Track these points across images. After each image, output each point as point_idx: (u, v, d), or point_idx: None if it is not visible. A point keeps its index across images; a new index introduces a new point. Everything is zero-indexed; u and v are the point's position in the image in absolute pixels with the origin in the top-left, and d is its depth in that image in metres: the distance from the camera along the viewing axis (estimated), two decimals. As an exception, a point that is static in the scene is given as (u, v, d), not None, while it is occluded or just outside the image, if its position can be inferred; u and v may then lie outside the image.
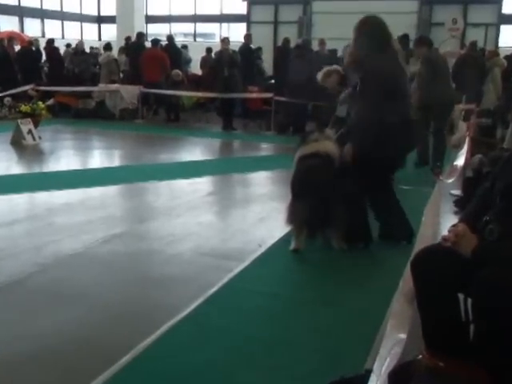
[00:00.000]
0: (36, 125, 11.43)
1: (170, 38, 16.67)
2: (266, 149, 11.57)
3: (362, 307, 4.24)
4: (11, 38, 18.00)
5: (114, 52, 16.88)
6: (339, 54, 13.11)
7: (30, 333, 3.79)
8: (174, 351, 3.57)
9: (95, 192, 7.69)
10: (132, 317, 4.05)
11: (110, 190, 7.93)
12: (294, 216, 5.22)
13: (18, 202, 7.33)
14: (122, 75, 15.87)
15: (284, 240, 5.62)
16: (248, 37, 15.47)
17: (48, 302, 4.29)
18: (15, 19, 26.20)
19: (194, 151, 11.50)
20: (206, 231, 6.06)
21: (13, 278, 4.68)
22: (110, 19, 28.72)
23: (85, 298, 4.32)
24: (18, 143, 10.86)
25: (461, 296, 2.72)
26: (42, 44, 17.41)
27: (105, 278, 4.74)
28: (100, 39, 27.35)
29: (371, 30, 5.15)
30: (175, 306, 4.12)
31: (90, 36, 28.03)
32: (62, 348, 3.61)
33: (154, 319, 3.93)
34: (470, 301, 2.70)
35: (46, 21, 27.74)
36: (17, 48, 17.30)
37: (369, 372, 2.45)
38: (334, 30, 17.48)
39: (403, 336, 2.51)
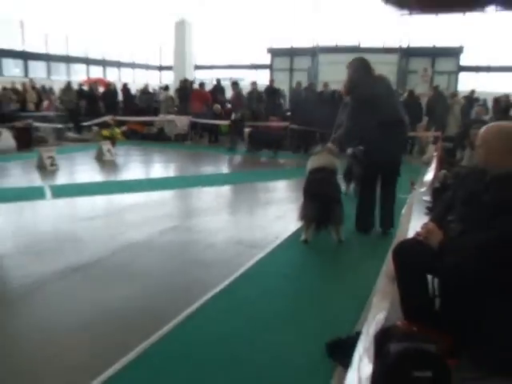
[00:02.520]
0: (113, 145, 11.54)
1: (218, 81, 16.71)
2: (283, 164, 11.51)
3: (353, 284, 4.20)
4: (96, 82, 18.27)
5: (171, 92, 16.97)
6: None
7: (103, 300, 3.82)
8: (210, 317, 3.55)
9: (155, 195, 7.71)
10: (179, 290, 4.04)
11: (167, 194, 7.95)
12: (304, 214, 5.24)
13: (98, 202, 7.39)
14: (176, 108, 15.92)
15: (296, 234, 5.59)
16: (272, 81, 15.53)
17: (117, 278, 4.30)
18: (100, 68, 26.55)
19: (229, 165, 11.50)
20: (236, 226, 6.04)
21: (92, 258, 4.71)
22: (169, 68, 28.94)
23: (145, 276, 4.33)
24: (100, 159, 10.97)
25: (429, 277, 2.68)
26: (119, 86, 17.59)
27: (161, 261, 4.74)
28: (160, 82, 27.53)
29: (355, 65, 5.44)
30: (212, 283, 4.11)
31: (153, 80, 28.27)
32: (126, 313, 3.62)
33: (196, 292, 3.92)
34: (436, 280, 2.66)
35: (122, 69, 28.05)
36: (101, 89, 17.53)
37: (359, 334, 2.41)
38: (335, 76, 17.38)
39: (386, 307, 2.48)
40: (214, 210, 6.87)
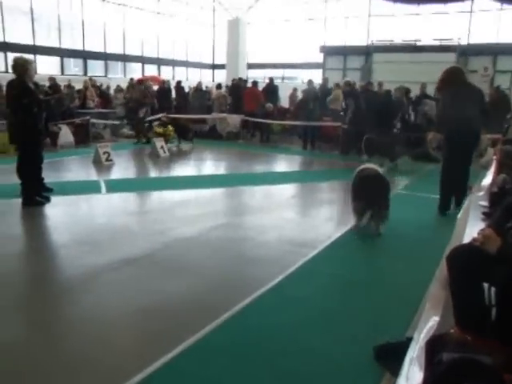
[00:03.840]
0: (166, 142, 11.77)
1: (271, 79, 16.70)
2: (334, 164, 11.40)
3: (405, 287, 4.11)
4: (150, 79, 18.65)
5: (223, 90, 17.10)
6: (392, 93, 12.73)
7: (153, 292, 3.91)
8: (259, 314, 3.57)
9: (206, 192, 7.81)
10: (230, 286, 4.09)
11: (217, 191, 8.04)
12: (356, 207, 5.70)
13: (151, 197, 7.58)
14: (228, 107, 16.03)
15: (348, 234, 5.53)
16: (326, 80, 15.38)
17: (168, 271, 4.39)
18: (155, 67, 27.14)
19: (280, 164, 11.47)
20: (288, 225, 6.02)
21: (144, 252, 4.84)
22: (221, 66, 29.24)
23: (196, 271, 4.40)
24: (153, 155, 11.23)
25: (485, 285, 2.58)
26: (173, 84, 17.89)
27: (211, 256, 4.80)
28: (213, 80, 27.85)
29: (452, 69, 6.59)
30: (263, 280, 4.13)
31: (206, 78, 28.62)
32: (176, 305, 3.70)
33: (246, 288, 3.96)
34: (493, 289, 2.56)
35: (176, 68, 28.56)
36: (155, 87, 17.91)
37: (409, 339, 2.35)
38: (390, 75, 17.05)
39: (438, 313, 2.41)
40: (265, 208, 6.89)
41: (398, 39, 21.79)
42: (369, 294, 4.00)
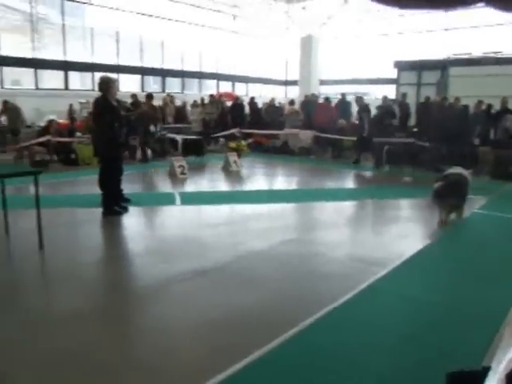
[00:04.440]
0: (239, 157, 11.96)
1: (343, 95, 16.59)
2: (406, 182, 11.06)
3: (481, 312, 3.87)
4: (224, 95, 19.15)
5: (296, 106, 17.17)
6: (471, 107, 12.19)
7: (223, 304, 3.96)
8: (326, 331, 3.51)
9: (277, 207, 7.83)
10: (297, 301, 4.05)
11: (288, 206, 8.03)
12: (444, 205, 6.52)
13: (223, 210, 7.69)
14: (300, 122, 16.05)
15: (422, 253, 5.34)
16: (404, 95, 15.02)
17: (238, 284, 4.43)
18: (229, 84, 27.78)
19: (352, 181, 11.31)
20: (358, 242, 5.91)
21: (215, 264, 4.91)
22: (294, 82, 29.39)
23: (265, 284, 4.41)
24: (226, 169, 11.45)
25: None
26: (246, 100, 18.22)
27: (281, 271, 4.79)
28: (286, 96, 28.02)
29: None
30: (330, 297, 4.06)
31: (279, 94, 28.86)
32: (244, 318, 3.71)
33: (313, 305, 3.91)
34: None
35: (250, 84, 29.06)
36: (229, 103, 18.32)
37: (486, 369, 2.20)
38: (468, 90, 16.37)
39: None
40: (335, 224, 6.80)
41: (477, 52, 20.92)
42: (441, 317, 3.81)
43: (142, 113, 12.42)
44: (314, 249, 5.53)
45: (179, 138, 13.08)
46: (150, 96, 13.34)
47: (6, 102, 12.41)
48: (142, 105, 13.19)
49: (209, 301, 4.02)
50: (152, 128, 12.85)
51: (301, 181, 11.03)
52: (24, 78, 19.05)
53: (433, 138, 11.52)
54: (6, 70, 17.92)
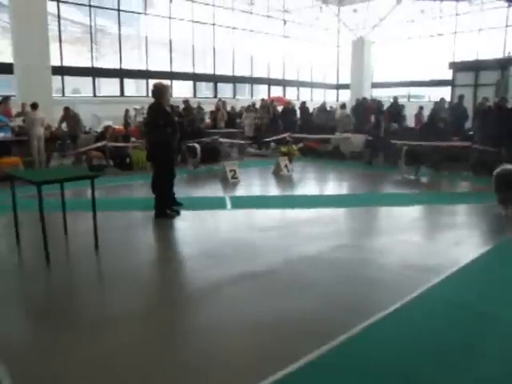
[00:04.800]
0: (290, 161, 11.92)
1: (395, 98, 16.26)
2: (463, 186, 10.67)
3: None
4: (276, 100, 19.20)
5: (348, 110, 16.97)
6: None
7: (272, 308, 3.93)
8: (375, 339, 3.43)
9: (327, 212, 7.74)
10: (347, 308, 3.98)
11: (339, 211, 7.92)
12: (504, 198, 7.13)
13: (274, 214, 7.68)
14: (352, 126, 15.85)
15: (477, 261, 5.12)
16: (461, 97, 14.50)
17: (288, 288, 4.39)
18: (280, 88, 27.83)
19: (404, 185, 10.98)
20: (410, 248, 5.72)
21: (266, 268, 4.90)
22: (346, 86, 29.11)
23: (315, 289, 4.35)
24: (277, 173, 11.44)
25: None
26: (297, 104, 18.19)
27: (330, 276, 4.72)
28: (337, 100, 27.82)
29: None
30: (380, 304, 3.97)
31: (330, 98, 28.67)
32: (294, 323, 3.67)
33: (363, 312, 3.82)
34: None
35: (301, 88, 29.01)
36: (280, 108, 18.35)
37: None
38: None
39: None
40: (387, 230, 6.64)
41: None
42: (500, 329, 3.62)
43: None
44: (365, 255, 5.42)
45: (198, 145, 12.21)
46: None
47: (67, 109, 12.94)
48: (193, 111, 13.38)
49: (259, 305, 4.01)
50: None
51: (352, 186, 10.85)
52: (83, 86, 19.85)
53: (491, 142, 11.06)
54: (68, 78, 18.72)
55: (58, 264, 5.14)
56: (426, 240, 6.35)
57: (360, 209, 8.01)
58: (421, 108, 15.97)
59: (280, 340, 3.41)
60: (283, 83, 28.04)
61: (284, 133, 15.50)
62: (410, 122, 16.29)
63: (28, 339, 3.51)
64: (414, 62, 26.38)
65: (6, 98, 13.29)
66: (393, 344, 3.35)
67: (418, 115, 15.84)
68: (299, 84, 28.95)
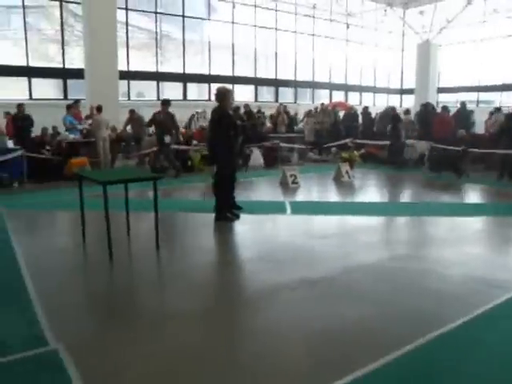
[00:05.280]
0: (351, 167, 11.76)
1: (463, 104, 15.68)
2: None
3: None
4: (334, 106, 19.01)
5: (411, 115, 16.53)
6: None
7: (329, 316, 3.89)
8: (438, 354, 3.28)
9: (388, 220, 7.58)
10: (406, 320, 3.84)
11: (399, 220, 7.73)
12: None
13: (333, 221, 7.60)
14: (416, 133, 15.40)
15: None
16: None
17: (345, 296, 4.33)
18: (342, 93, 27.55)
19: (468, 195, 10.54)
20: (475, 261, 5.45)
21: (325, 275, 4.85)
22: (410, 91, 28.37)
23: (372, 299, 4.26)
24: (337, 180, 11.31)
25: None
26: (359, 109, 17.94)
27: (389, 285, 4.60)
28: (401, 106, 27.16)
29: None
30: (443, 319, 3.79)
31: (393, 103, 28.05)
32: (349, 332, 3.62)
33: (423, 326, 3.68)
34: None
35: (363, 93, 28.59)
36: (341, 113, 18.17)
37: None
38: None
39: None
40: (450, 241, 6.36)
41: None
42: None
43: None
44: (427, 266, 5.22)
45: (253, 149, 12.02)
46: (166, 102, 11.63)
47: (131, 112, 13.42)
48: (255, 115, 13.46)
49: (316, 312, 3.97)
50: (167, 139, 11.38)
51: (414, 194, 10.53)
52: (147, 90, 20.51)
53: None
54: (133, 83, 19.42)
55: (121, 262, 5.33)
56: (493, 253, 6.03)
57: (421, 218, 7.74)
58: (491, 114, 15.29)
59: (336, 348, 3.36)
60: (345, 88, 27.74)
61: (345, 138, 15.33)
62: (480, 128, 15.65)
63: (90, 334, 3.65)
64: (484, 65, 25.35)
65: (77, 102, 13.97)
66: (452, 362, 3.19)
67: (488, 121, 15.15)
68: (361, 89, 28.54)
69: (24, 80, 16.88)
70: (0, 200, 8.80)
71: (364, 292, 4.43)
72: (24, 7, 16.72)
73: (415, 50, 28.02)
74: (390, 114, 15.17)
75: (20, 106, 12.12)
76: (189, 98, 21.18)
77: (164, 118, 11.41)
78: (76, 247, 5.97)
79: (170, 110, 11.58)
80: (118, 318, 3.90)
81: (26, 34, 16.83)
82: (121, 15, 18.03)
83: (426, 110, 15.64)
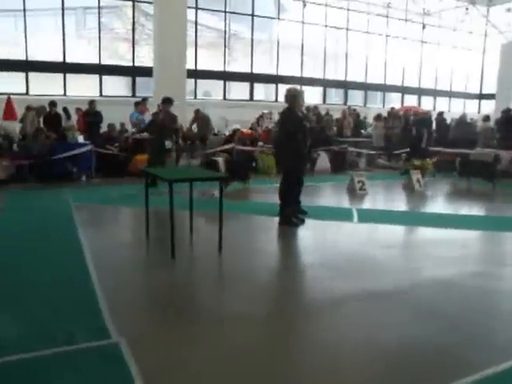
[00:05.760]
0: (423, 175, 11.42)
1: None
2: None
3: None
4: (406, 111, 18.55)
5: (491, 122, 15.82)
6: None
7: (393, 332, 3.78)
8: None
9: (462, 233, 7.23)
10: (480, 343, 3.64)
11: (475, 234, 7.35)
12: None
13: (401, 231, 7.42)
14: (495, 142, 14.73)
15: None
16: None
17: (413, 312, 4.18)
18: (414, 97, 26.84)
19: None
20: None
21: (390, 288, 4.74)
22: (490, 96, 27.20)
23: (443, 317, 4.10)
24: (408, 188, 11.01)
25: None
26: (434, 115, 17.42)
27: (462, 305, 4.39)
28: (479, 112, 26.11)
29: None
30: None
31: (471, 109, 27.01)
32: (415, 351, 3.49)
33: (498, 352, 3.46)
34: None
35: (438, 98, 27.72)
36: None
37: None
38: None
39: None
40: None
41: None
42: None
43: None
44: (505, 286, 4.97)
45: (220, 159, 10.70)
46: (166, 100, 10.27)
47: (197, 111, 13.72)
48: (323, 118, 13.38)
49: (379, 326, 3.87)
50: (168, 143, 10.60)
51: (493, 207, 10.04)
52: (214, 89, 20.91)
53: None
54: (200, 81, 19.85)
55: (182, 260, 5.46)
56: None
57: (500, 233, 7.38)
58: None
59: (401, 368, 3.24)
60: (418, 92, 26.99)
61: (417, 145, 14.88)
62: None
63: (151, 330, 3.75)
64: None
65: (144, 100, 14.46)
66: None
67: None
68: (436, 93, 27.65)
69: (95, 77, 17.69)
70: (69, 193, 9.26)
71: (434, 310, 4.25)
72: (99, 7, 17.56)
73: (498, 51, 26.81)
74: (465, 120, 14.65)
75: (91, 102, 12.73)
76: (255, 98, 21.39)
77: (164, 119, 10.28)
78: (139, 243, 6.17)
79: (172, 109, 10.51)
80: (178, 316, 3.99)
81: (99, 33, 17.67)
82: (190, 14, 18.50)
83: (508, 116, 14.93)
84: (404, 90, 26.40)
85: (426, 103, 26.66)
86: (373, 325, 3.90)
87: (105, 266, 5.14)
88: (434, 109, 24.57)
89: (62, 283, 4.64)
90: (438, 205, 10.01)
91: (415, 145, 14.76)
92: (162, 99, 10.37)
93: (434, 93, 27.61)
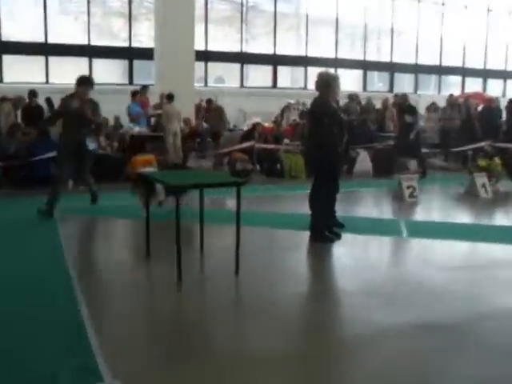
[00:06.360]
0: (489, 179, 11.28)
1: None
2: None
3: None
4: (468, 98, 18.38)
5: None
6: None
7: (453, 374, 3.74)
8: None
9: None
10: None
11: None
12: None
13: (461, 248, 7.37)
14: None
15: None
16: None
17: (480, 351, 4.11)
18: (479, 80, 26.58)
19: None
20: None
21: (450, 321, 4.68)
22: None
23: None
24: (471, 195, 10.90)
25: None
26: (503, 103, 17.25)
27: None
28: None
29: None
30: None
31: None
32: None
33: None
34: None
35: (509, 81, 27.39)
36: (480, 107, 17.56)
37: None
38: None
39: None
40: None
41: None
42: None
43: None
44: None
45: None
46: (86, 81, 8.83)
47: (209, 101, 13.78)
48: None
49: (437, 368, 3.81)
50: (92, 145, 9.34)
51: None
52: (228, 74, 20.93)
53: None
54: (211, 65, 19.86)
55: (191, 285, 5.50)
56: None
57: None
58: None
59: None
60: (483, 74, 26.73)
61: (482, 140, 14.79)
62: None
63: (151, 372, 3.71)
64: None
65: (144, 88, 14.58)
66: None
67: None
68: (506, 75, 27.34)
69: (84, 61, 17.88)
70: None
71: (505, 349, 4.20)
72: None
73: None
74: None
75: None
76: (280, 85, 21.42)
77: (80, 107, 8.43)
78: (138, 262, 6.24)
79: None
80: (185, 355, 4.00)
81: (88, 6, 17.88)
82: (200, -18, 18.63)
83: None
84: (465, 73, 26.19)
85: (494, 88, 26.38)
86: (425, 367, 3.82)
87: (97, 293, 5.20)
88: (504, 95, 24.32)
89: (44, 314, 4.67)
90: (508, 215, 9.90)
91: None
92: (78, 79, 8.78)
93: (504, 75, 27.30)
